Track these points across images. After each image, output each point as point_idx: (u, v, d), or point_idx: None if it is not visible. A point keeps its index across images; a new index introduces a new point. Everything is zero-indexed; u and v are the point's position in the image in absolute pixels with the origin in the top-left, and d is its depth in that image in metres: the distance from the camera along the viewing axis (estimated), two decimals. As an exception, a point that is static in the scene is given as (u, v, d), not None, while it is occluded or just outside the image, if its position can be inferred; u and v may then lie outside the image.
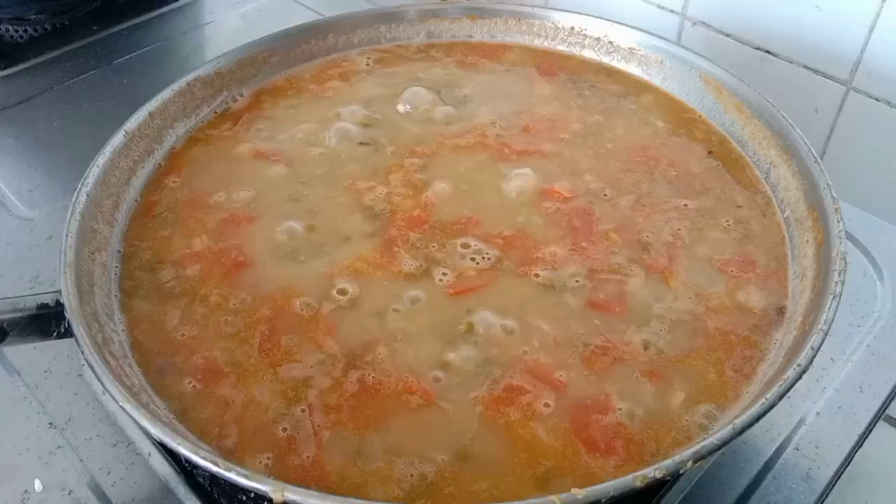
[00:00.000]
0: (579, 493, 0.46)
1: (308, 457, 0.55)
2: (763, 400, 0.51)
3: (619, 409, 0.58)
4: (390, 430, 0.57)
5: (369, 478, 0.54)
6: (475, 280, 0.66)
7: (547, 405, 0.58)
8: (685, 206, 0.73)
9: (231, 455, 0.55)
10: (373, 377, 0.60)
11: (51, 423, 0.68)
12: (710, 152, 0.79)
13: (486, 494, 0.53)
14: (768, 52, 1.04)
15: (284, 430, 0.57)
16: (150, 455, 0.65)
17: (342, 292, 0.66)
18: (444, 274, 0.67)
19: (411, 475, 0.54)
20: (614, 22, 0.89)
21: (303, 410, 0.58)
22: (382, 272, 0.67)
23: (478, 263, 0.67)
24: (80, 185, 0.68)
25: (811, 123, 1.02)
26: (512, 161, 0.78)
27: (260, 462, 0.55)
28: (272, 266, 0.68)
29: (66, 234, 0.63)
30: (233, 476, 0.47)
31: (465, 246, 0.69)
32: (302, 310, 0.65)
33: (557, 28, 0.91)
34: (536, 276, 0.67)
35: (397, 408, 0.58)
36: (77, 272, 0.62)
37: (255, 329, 0.63)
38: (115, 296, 0.65)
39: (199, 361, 0.61)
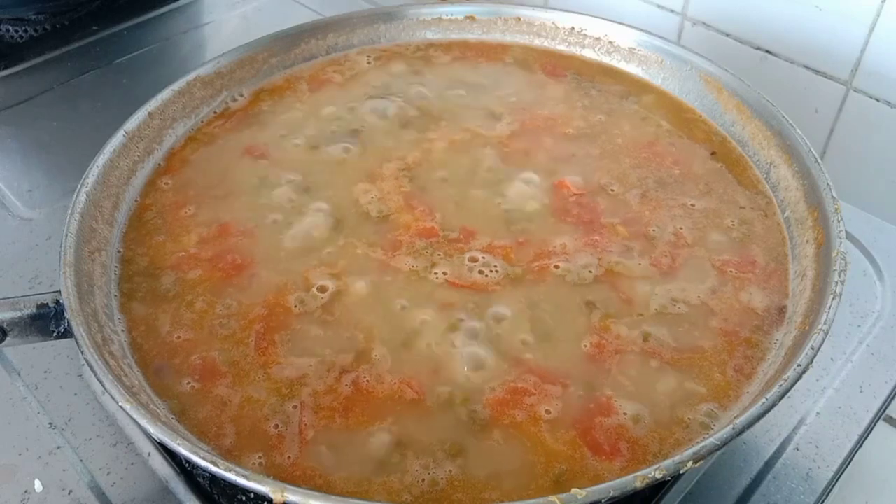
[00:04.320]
0: (580, 493, 0.46)
1: (290, 457, 0.55)
2: (763, 400, 0.51)
3: (625, 412, 0.57)
4: (387, 431, 0.57)
5: (364, 485, 0.54)
6: (479, 283, 0.66)
7: (548, 411, 0.58)
8: (692, 205, 0.73)
9: (229, 454, 0.55)
10: (367, 379, 0.60)
11: (51, 423, 0.68)
12: (713, 153, 0.79)
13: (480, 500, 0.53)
14: (768, 52, 1.04)
15: (276, 426, 0.57)
16: (149, 455, 0.65)
17: (328, 292, 0.66)
18: (444, 273, 0.67)
19: (414, 484, 0.54)
20: (614, 22, 0.89)
21: (294, 407, 0.58)
22: (383, 273, 0.67)
23: (486, 276, 0.67)
24: (79, 185, 0.68)
25: (811, 123, 1.02)
26: (518, 161, 0.78)
27: (254, 462, 0.55)
28: (267, 267, 0.68)
29: (66, 234, 0.63)
30: (232, 476, 0.47)
31: (473, 260, 0.68)
32: (297, 308, 0.64)
33: (557, 28, 0.91)
34: (557, 267, 0.67)
35: (395, 408, 0.58)
36: (77, 272, 0.62)
37: (251, 329, 0.63)
38: (115, 296, 0.65)
39: (197, 362, 0.61)
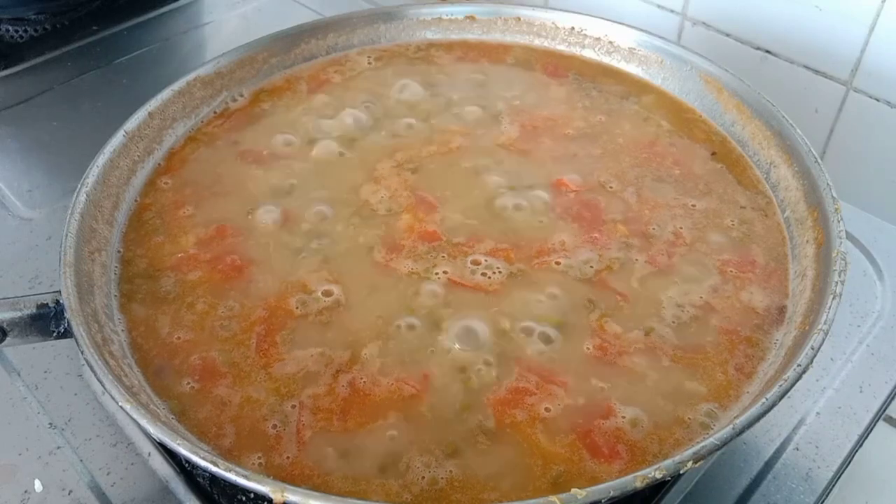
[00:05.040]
0: (580, 493, 0.46)
1: (289, 457, 0.55)
2: (763, 400, 0.51)
3: (623, 416, 0.57)
4: (385, 430, 0.57)
5: (363, 485, 0.54)
6: (481, 284, 0.66)
7: (548, 409, 0.58)
8: (693, 205, 0.73)
9: (229, 454, 0.55)
10: (364, 379, 0.59)
11: (51, 423, 0.68)
12: (713, 153, 0.79)
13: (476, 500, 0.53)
14: (768, 52, 1.04)
15: (274, 426, 0.57)
16: (149, 455, 0.65)
17: (328, 293, 0.65)
18: (444, 272, 0.67)
19: (414, 483, 0.54)
20: (614, 22, 0.88)
21: (293, 407, 0.58)
22: (385, 273, 0.67)
23: (490, 278, 0.67)
24: (79, 185, 0.68)
25: (811, 123, 1.02)
26: (520, 161, 0.78)
27: (253, 463, 0.55)
28: (267, 269, 0.68)
29: (66, 234, 0.63)
30: (232, 476, 0.47)
31: (476, 263, 0.68)
32: (299, 309, 0.64)
33: (557, 28, 0.91)
34: (558, 263, 0.67)
35: (394, 408, 0.58)
36: (77, 272, 0.62)
37: (252, 330, 0.63)
38: (115, 296, 0.65)
39: (197, 362, 0.61)
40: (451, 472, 0.54)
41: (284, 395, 0.59)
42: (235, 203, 0.74)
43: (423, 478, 0.54)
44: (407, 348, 0.62)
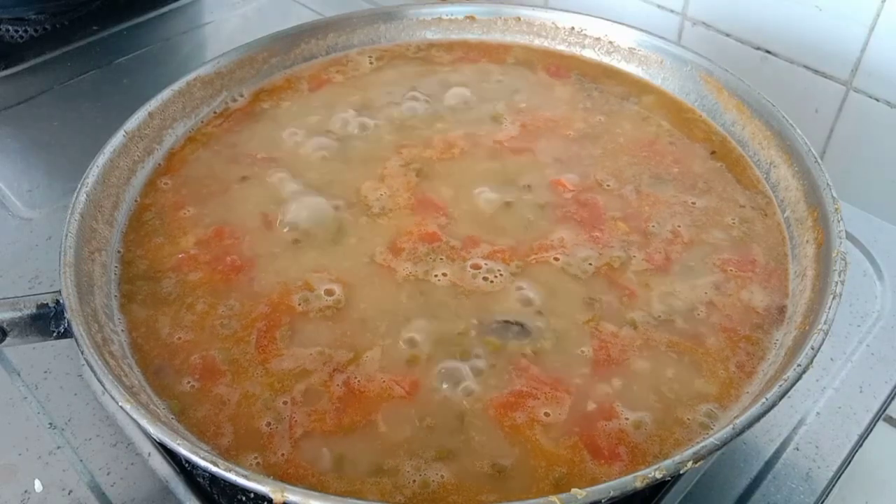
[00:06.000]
0: (580, 493, 0.46)
1: (283, 454, 0.55)
2: (763, 400, 0.51)
3: (626, 418, 0.57)
4: (380, 430, 0.57)
5: (357, 484, 0.54)
6: (482, 287, 0.66)
7: (547, 414, 0.57)
8: (693, 203, 0.73)
9: (227, 454, 0.55)
10: (358, 379, 0.59)
11: (51, 423, 0.68)
12: (713, 152, 0.79)
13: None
14: (768, 52, 1.04)
15: (269, 424, 0.57)
16: (149, 455, 0.65)
17: (330, 292, 0.66)
18: (444, 274, 0.67)
19: (406, 485, 0.54)
20: (614, 22, 0.88)
21: (284, 403, 0.58)
22: (385, 274, 0.67)
23: (492, 282, 0.67)
24: (79, 185, 0.68)
25: (811, 123, 1.02)
26: (522, 162, 0.78)
27: (251, 462, 0.55)
28: (267, 269, 0.68)
29: (66, 234, 0.63)
30: (232, 476, 0.47)
31: (476, 267, 0.67)
32: (300, 307, 0.64)
33: (557, 28, 0.91)
34: (557, 259, 0.67)
35: (390, 408, 0.58)
36: (77, 272, 0.62)
37: (253, 326, 0.63)
38: (115, 296, 0.65)
39: (197, 361, 0.61)
40: (444, 475, 0.54)
41: (278, 391, 0.59)
42: (235, 203, 0.74)
43: (415, 480, 0.54)
44: (406, 348, 0.61)
